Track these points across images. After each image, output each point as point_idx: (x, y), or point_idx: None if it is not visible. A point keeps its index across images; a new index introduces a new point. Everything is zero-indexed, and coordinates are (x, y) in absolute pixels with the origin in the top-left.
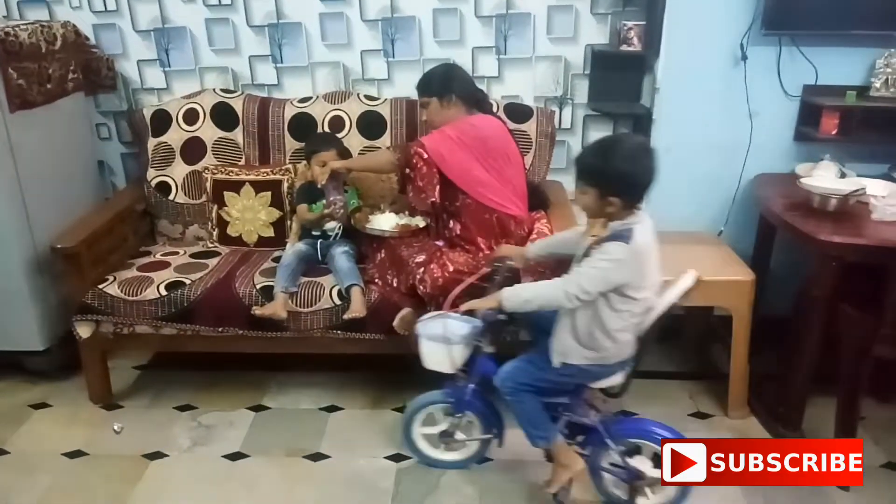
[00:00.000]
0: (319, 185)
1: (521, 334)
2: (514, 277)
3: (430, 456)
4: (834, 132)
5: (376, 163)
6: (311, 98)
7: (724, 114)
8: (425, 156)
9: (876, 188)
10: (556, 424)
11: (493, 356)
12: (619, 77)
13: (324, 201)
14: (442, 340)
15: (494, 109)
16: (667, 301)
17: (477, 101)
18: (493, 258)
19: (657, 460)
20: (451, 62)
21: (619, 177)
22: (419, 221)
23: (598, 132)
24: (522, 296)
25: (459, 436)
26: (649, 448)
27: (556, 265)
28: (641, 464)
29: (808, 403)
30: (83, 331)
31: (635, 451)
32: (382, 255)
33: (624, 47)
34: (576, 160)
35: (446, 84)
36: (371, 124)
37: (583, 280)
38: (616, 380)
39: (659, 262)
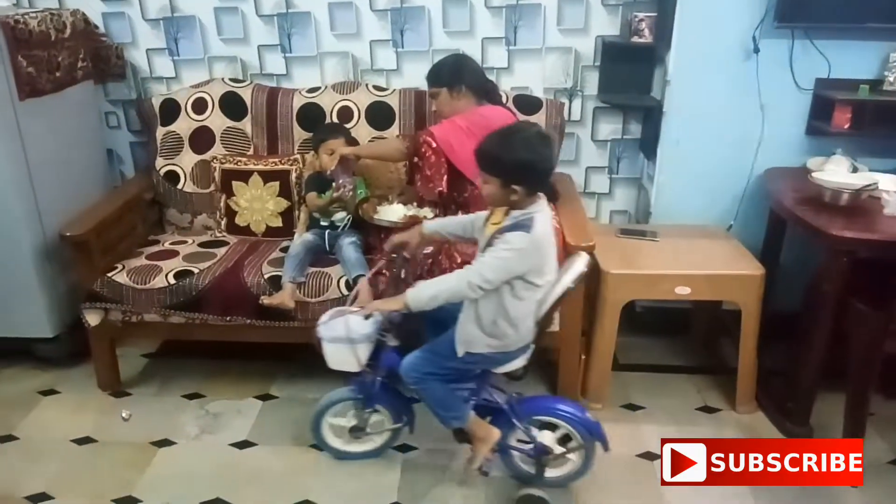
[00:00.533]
0: (328, 172)
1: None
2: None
3: (342, 450)
4: (846, 126)
5: (385, 150)
6: (319, 88)
7: (736, 107)
8: (434, 144)
9: (888, 183)
10: (467, 403)
11: (398, 348)
12: (630, 69)
13: (333, 185)
14: (345, 341)
15: (504, 100)
16: (563, 286)
17: (486, 92)
18: (390, 248)
19: (561, 435)
20: (461, 53)
21: (519, 165)
22: (427, 213)
23: (608, 124)
24: (427, 293)
25: (370, 428)
26: (554, 424)
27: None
28: (547, 439)
29: (817, 399)
30: (92, 318)
31: (541, 427)
32: None
33: (635, 39)
34: (476, 151)
35: (456, 74)
36: (379, 115)
37: (485, 270)
38: (518, 363)
39: (557, 247)
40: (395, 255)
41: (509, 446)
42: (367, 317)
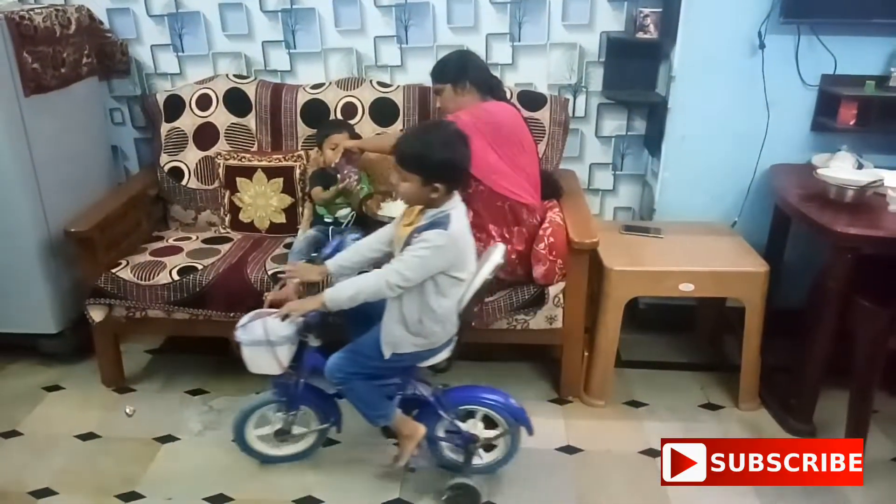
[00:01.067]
0: (332, 166)
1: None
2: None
3: (269, 454)
4: (852, 122)
5: (390, 144)
6: (323, 84)
7: (741, 103)
8: None
9: (894, 180)
10: (393, 401)
11: (321, 348)
12: (635, 65)
13: (339, 177)
14: (265, 343)
15: (508, 97)
16: (481, 277)
17: (491, 88)
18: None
19: (488, 422)
20: (465, 49)
21: (442, 164)
22: None
23: (613, 121)
24: (346, 294)
25: (296, 430)
26: (480, 412)
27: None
28: (474, 427)
29: (821, 396)
30: (96, 314)
31: (467, 416)
32: None
33: (640, 34)
34: (396, 149)
35: (461, 71)
36: (383, 111)
37: (403, 268)
38: (443, 356)
39: (472, 240)
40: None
41: (437, 437)
42: (284, 318)
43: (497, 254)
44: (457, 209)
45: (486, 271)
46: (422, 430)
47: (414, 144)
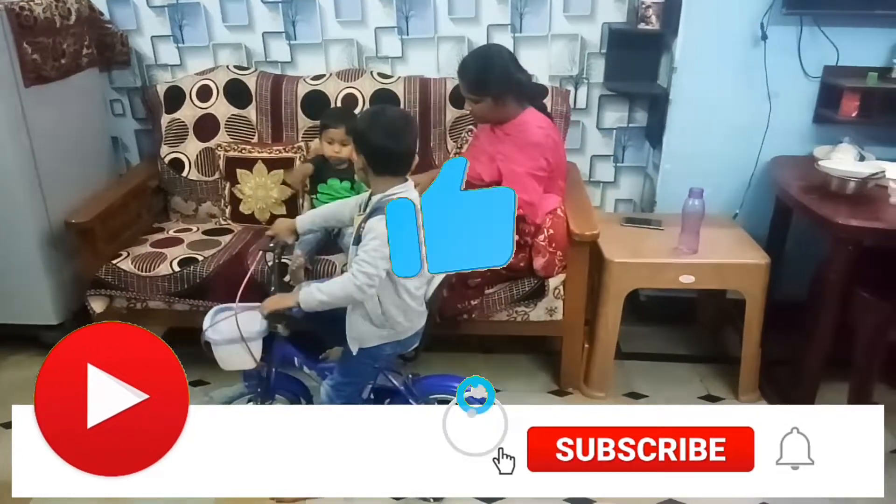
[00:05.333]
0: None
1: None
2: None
3: None
4: (854, 114)
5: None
6: (324, 75)
7: (743, 95)
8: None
9: (895, 172)
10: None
11: (289, 337)
12: (636, 56)
13: (336, 181)
14: (239, 341)
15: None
16: None
17: (526, 93)
18: (267, 239)
19: None
20: (496, 45)
21: (375, 149)
22: None
23: (614, 112)
24: (318, 297)
25: None
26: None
27: None
28: None
29: (821, 388)
30: (97, 305)
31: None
32: None
33: (642, 26)
34: (350, 126)
35: (505, 83)
36: (384, 102)
37: (365, 267)
38: (413, 346)
39: None
40: (272, 245)
41: None
42: (267, 315)
43: None
44: (404, 193)
45: None
46: None
47: (361, 125)
